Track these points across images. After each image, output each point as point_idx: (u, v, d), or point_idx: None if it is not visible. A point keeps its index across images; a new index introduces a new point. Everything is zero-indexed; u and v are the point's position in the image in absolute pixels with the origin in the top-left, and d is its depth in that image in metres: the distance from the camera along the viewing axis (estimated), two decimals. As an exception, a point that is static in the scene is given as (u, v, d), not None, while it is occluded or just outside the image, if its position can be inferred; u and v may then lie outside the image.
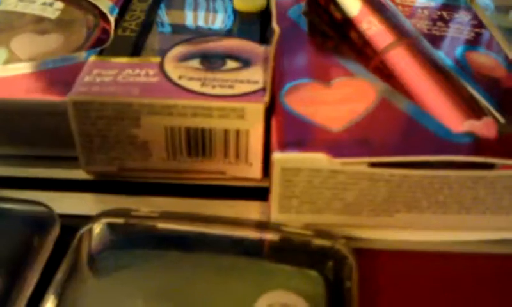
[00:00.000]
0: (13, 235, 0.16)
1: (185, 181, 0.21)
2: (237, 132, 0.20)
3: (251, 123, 0.20)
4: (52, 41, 0.24)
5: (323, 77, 0.20)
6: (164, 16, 0.26)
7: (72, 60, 0.23)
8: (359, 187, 0.17)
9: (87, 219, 0.17)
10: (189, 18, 0.26)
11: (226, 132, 0.20)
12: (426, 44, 0.21)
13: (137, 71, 0.21)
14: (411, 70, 0.20)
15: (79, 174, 0.21)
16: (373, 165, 0.17)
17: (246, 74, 0.21)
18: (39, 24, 0.25)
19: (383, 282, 0.17)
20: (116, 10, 0.26)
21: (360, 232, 0.19)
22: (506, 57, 0.22)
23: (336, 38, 0.22)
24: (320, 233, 0.18)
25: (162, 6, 0.27)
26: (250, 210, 0.20)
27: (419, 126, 0.18)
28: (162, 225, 0.17)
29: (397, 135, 0.18)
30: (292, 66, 0.21)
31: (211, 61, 0.21)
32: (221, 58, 0.21)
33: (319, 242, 0.17)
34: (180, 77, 0.20)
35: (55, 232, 0.17)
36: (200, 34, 0.25)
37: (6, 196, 0.18)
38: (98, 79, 0.20)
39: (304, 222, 0.18)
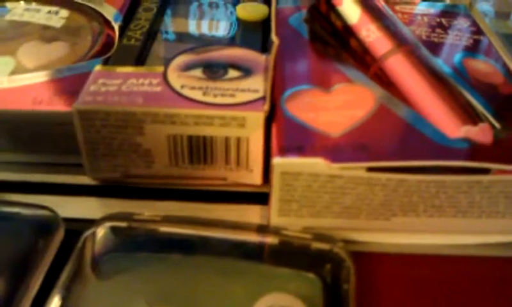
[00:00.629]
0: (18, 238, 0.17)
1: (186, 187, 0.22)
2: (238, 140, 0.20)
3: (252, 131, 0.20)
4: (58, 49, 0.25)
5: (323, 83, 0.21)
6: (169, 24, 0.27)
7: (78, 69, 0.23)
8: (357, 191, 0.18)
9: (91, 223, 0.18)
10: (193, 27, 0.27)
11: (227, 139, 0.20)
12: (424, 51, 0.22)
13: (141, 80, 0.21)
14: (409, 76, 0.20)
15: (84, 179, 0.22)
16: (371, 170, 0.17)
17: (247, 83, 0.21)
18: (45, 33, 0.26)
19: (380, 285, 0.18)
20: (121, 18, 0.27)
21: (357, 235, 0.19)
22: (504, 64, 0.23)
23: (336, 45, 0.23)
24: (319, 236, 0.18)
25: (167, 14, 0.28)
26: (251, 214, 0.21)
27: (416, 131, 0.18)
28: (164, 229, 0.18)
29: (394, 140, 0.18)
30: (293, 73, 0.22)
31: (213, 70, 0.22)
32: (223, 67, 0.22)
33: (317, 245, 0.18)
34: (182, 87, 0.21)
35: (59, 235, 0.17)
36: (204, 42, 0.25)
37: (11, 200, 0.19)
38: (103, 89, 0.21)
39: (303, 226, 0.19)
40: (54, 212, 0.18)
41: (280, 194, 0.18)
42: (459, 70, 0.22)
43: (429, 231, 0.19)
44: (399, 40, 0.21)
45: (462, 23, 0.26)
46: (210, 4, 0.29)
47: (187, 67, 0.22)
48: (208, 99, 0.20)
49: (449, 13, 0.27)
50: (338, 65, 0.22)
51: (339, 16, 0.23)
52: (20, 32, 0.26)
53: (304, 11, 0.26)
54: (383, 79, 0.21)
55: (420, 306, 0.17)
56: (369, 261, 0.18)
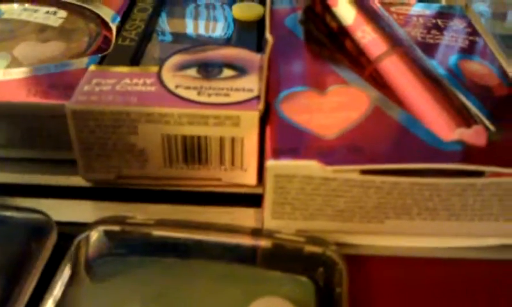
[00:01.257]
0: (10, 241, 0.17)
1: (181, 188, 0.22)
2: (233, 140, 0.20)
3: (246, 130, 0.20)
4: (53, 49, 0.25)
5: (318, 85, 0.21)
6: (165, 25, 0.27)
7: (72, 65, 0.23)
8: (350, 194, 0.18)
9: (84, 226, 0.18)
10: (189, 27, 0.27)
11: (221, 139, 0.20)
12: (419, 53, 0.22)
13: (135, 80, 0.21)
14: (404, 78, 0.20)
15: (77, 181, 0.22)
16: (364, 172, 0.17)
17: (241, 82, 0.21)
18: (42, 32, 0.26)
19: (373, 288, 0.18)
20: (118, 18, 0.27)
21: (351, 238, 0.19)
22: (499, 65, 0.23)
23: (331, 46, 0.23)
24: (312, 239, 0.18)
25: (163, 14, 0.28)
26: (245, 216, 0.21)
27: (410, 134, 0.18)
28: (157, 232, 0.18)
29: (388, 143, 0.18)
30: (288, 74, 0.22)
31: (208, 70, 0.22)
32: (218, 66, 0.22)
33: (310, 248, 0.18)
34: (177, 86, 0.21)
35: (52, 239, 0.17)
36: (200, 42, 0.25)
37: (4, 204, 0.19)
38: (97, 89, 0.20)
39: (296, 228, 0.19)
40: (47, 215, 0.18)
41: (274, 196, 0.18)
42: (454, 72, 0.22)
43: (422, 234, 0.19)
44: (394, 42, 0.21)
45: (458, 24, 0.26)
46: (207, 5, 0.29)
47: (182, 67, 0.22)
48: (203, 98, 0.20)
49: (445, 14, 0.27)
50: (333, 66, 0.22)
51: (334, 17, 0.23)
52: (18, 31, 0.26)
53: (299, 13, 0.26)
54: (378, 81, 0.21)
55: (412, 309, 0.17)
56: (362, 264, 0.18)
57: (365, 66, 0.21)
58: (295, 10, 0.26)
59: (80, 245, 0.17)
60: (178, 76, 0.21)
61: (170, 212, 0.21)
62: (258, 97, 0.20)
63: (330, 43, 0.23)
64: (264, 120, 0.20)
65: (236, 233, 0.18)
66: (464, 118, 0.19)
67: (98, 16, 0.27)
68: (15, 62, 0.24)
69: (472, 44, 0.24)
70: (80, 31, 0.26)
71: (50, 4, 0.28)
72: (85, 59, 0.24)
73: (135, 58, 0.24)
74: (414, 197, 0.18)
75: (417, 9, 0.27)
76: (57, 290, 0.16)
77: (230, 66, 0.22)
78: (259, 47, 0.24)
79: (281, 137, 0.18)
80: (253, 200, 0.21)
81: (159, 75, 0.21)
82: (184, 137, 0.20)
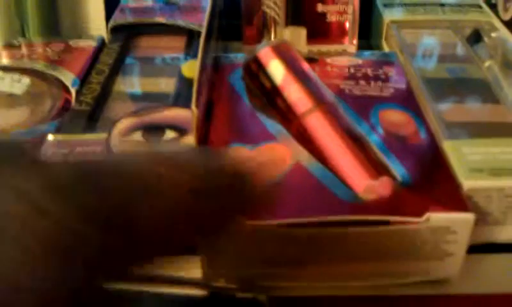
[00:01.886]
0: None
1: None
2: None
3: (186, 188, 0.22)
4: (19, 115, 0.28)
5: (250, 141, 0.23)
6: (121, 84, 0.29)
7: (36, 132, 0.26)
8: (272, 245, 0.20)
9: None
10: (142, 86, 0.29)
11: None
12: (341, 109, 0.24)
13: (85, 148, 0.23)
14: (325, 133, 0.22)
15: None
16: (280, 226, 0.20)
17: (181, 144, 0.23)
18: (7, 100, 0.28)
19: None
20: (78, 82, 0.29)
21: (279, 282, 0.21)
22: (419, 112, 0.25)
23: (266, 103, 0.25)
24: (243, 286, 0.20)
25: (121, 74, 0.30)
26: (184, 266, 0.23)
27: (325, 188, 0.21)
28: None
29: (304, 197, 0.20)
30: (226, 131, 0.24)
31: (152, 133, 0.24)
32: (161, 129, 0.24)
33: (241, 294, 0.20)
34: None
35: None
36: (151, 99, 0.28)
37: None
38: (53, 159, 0.23)
39: (227, 277, 0.21)
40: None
41: (208, 248, 0.20)
42: (373, 124, 0.24)
43: (341, 277, 0.21)
44: (318, 99, 0.24)
45: (387, 71, 0.28)
46: (159, 62, 0.31)
47: (128, 132, 0.24)
48: (145, 163, 0.22)
49: (377, 62, 0.29)
50: (265, 123, 0.24)
51: (267, 76, 0.25)
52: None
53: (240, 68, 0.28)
54: (304, 135, 0.23)
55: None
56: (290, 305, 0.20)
57: (292, 122, 0.24)
58: (237, 66, 0.28)
59: None
60: (124, 142, 0.24)
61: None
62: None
63: (265, 100, 0.25)
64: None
65: (174, 283, 0.20)
66: (374, 170, 0.21)
67: (60, 80, 0.29)
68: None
69: (397, 92, 0.26)
70: (43, 95, 0.29)
71: (15, 72, 0.30)
72: (44, 126, 0.26)
73: (91, 122, 0.26)
74: (329, 245, 0.20)
75: (352, 58, 0.29)
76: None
77: (172, 127, 0.24)
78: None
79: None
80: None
81: (107, 143, 0.24)
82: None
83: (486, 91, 0.28)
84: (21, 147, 0.14)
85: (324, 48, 0.32)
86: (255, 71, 0.25)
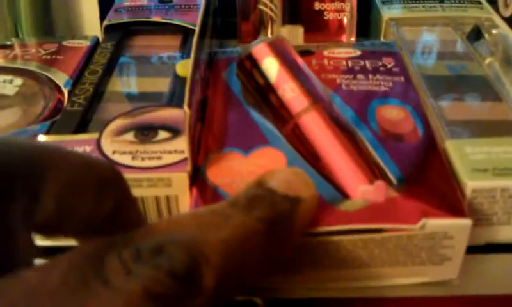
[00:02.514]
0: None
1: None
2: (167, 199, 0.22)
3: (179, 189, 0.22)
4: (11, 116, 0.27)
5: (244, 145, 0.22)
6: (114, 85, 0.29)
7: (27, 133, 0.25)
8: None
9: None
10: (137, 85, 0.29)
11: (157, 199, 0.22)
12: (336, 108, 0.23)
13: (76, 148, 0.23)
14: (320, 134, 0.22)
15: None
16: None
17: (174, 144, 0.23)
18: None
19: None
20: (70, 82, 0.29)
21: (275, 285, 0.21)
22: (419, 107, 0.24)
23: (260, 101, 0.24)
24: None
25: (114, 74, 0.29)
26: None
27: (321, 199, 0.20)
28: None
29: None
30: (219, 134, 0.23)
31: (144, 134, 0.24)
32: (154, 129, 0.24)
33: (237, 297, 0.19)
34: (114, 152, 0.22)
35: None
36: (146, 99, 0.27)
37: None
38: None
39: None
40: None
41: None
42: (370, 122, 0.23)
43: (337, 280, 0.20)
44: (314, 98, 0.23)
45: (386, 64, 0.27)
46: (155, 62, 0.31)
47: (120, 132, 0.24)
48: (136, 163, 0.22)
49: (376, 53, 0.28)
50: (259, 124, 0.24)
51: (261, 73, 0.24)
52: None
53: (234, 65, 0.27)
54: (299, 136, 0.22)
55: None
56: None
57: (287, 121, 0.23)
58: (233, 62, 0.28)
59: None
60: (116, 142, 0.23)
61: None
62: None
63: (259, 98, 0.25)
64: (195, 178, 0.22)
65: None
66: (369, 174, 0.20)
67: (52, 81, 0.29)
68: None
69: (396, 85, 0.25)
70: (35, 96, 0.28)
71: (7, 72, 0.30)
72: (36, 126, 0.25)
73: (83, 122, 0.26)
74: (324, 250, 0.19)
75: (350, 50, 0.29)
76: None
77: (165, 128, 0.24)
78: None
79: (204, 201, 0.20)
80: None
81: (98, 143, 0.23)
82: (123, 199, 0.22)
83: (487, 89, 0.27)
84: None
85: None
86: (249, 68, 0.25)
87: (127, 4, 0.35)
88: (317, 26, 0.32)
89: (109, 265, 0.12)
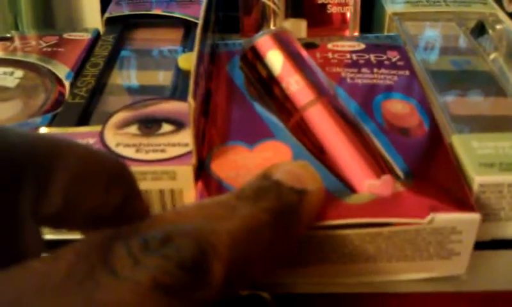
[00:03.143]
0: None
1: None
2: (172, 192, 0.22)
3: (183, 183, 0.21)
4: (12, 108, 0.27)
5: (248, 138, 0.22)
6: (117, 78, 0.28)
7: (28, 125, 0.25)
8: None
9: None
10: (138, 78, 0.28)
11: (161, 192, 0.22)
12: (342, 101, 0.23)
13: (80, 140, 0.22)
14: (326, 127, 0.22)
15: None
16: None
17: (178, 137, 0.23)
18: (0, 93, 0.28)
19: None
20: (72, 75, 0.28)
21: (283, 280, 0.20)
22: (423, 101, 0.24)
23: (263, 94, 0.24)
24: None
25: (116, 67, 0.29)
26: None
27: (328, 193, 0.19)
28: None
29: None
30: (223, 127, 0.23)
31: (148, 126, 0.23)
32: (158, 122, 0.23)
33: (245, 291, 0.19)
34: (117, 145, 0.22)
35: None
36: (148, 92, 0.27)
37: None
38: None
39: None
40: None
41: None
42: (375, 116, 0.23)
43: (345, 275, 0.20)
44: (319, 91, 0.23)
45: (391, 57, 0.27)
46: (156, 55, 0.30)
47: (124, 124, 0.23)
48: (141, 156, 0.22)
49: (381, 47, 0.28)
50: (263, 117, 0.23)
51: (264, 65, 0.24)
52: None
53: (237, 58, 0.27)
54: (304, 129, 0.22)
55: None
56: (294, 302, 0.20)
57: (292, 114, 0.23)
58: (236, 55, 0.27)
59: None
60: (119, 134, 0.23)
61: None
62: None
63: (263, 91, 0.24)
64: (200, 171, 0.21)
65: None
66: (376, 168, 0.20)
67: (53, 73, 0.29)
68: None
69: (401, 80, 0.25)
70: (37, 88, 0.28)
71: (7, 65, 0.29)
72: (38, 119, 0.25)
73: (85, 115, 0.25)
74: (331, 245, 0.19)
75: (354, 43, 0.28)
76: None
77: (169, 121, 0.24)
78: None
79: (209, 194, 0.20)
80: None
81: (101, 135, 0.23)
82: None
83: (491, 84, 0.27)
84: None
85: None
86: (253, 60, 0.24)
87: (128, -4, 0.35)
88: (320, 20, 0.32)
89: (117, 255, 0.12)
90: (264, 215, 0.15)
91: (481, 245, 0.20)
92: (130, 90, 0.27)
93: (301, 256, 0.19)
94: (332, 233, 0.18)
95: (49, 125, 0.24)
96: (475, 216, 0.18)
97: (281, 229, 0.16)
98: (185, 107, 0.24)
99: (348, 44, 0.28)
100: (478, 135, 0.22)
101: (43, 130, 0.24)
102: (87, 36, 0.32)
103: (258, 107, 0.24)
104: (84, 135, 0.23)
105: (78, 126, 0.24)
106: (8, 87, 0.28)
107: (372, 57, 0.27)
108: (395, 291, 0.20)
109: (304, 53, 0.24)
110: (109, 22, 0.33)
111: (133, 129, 0.23)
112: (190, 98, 0.20)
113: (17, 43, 0.32)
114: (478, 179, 0.20)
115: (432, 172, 0.20)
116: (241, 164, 0.21)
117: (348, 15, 0.32)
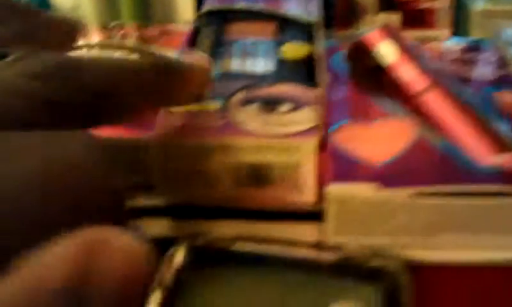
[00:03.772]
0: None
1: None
2: (294, 166, 0.23)
3: (306, 157, 0.23)
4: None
5: (364, 118, 0.24)
6: (221, 66, 0.30)
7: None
8: (405, 213, 0.20)
9: (166, 243, 0.20)
10: (241, 67, 0.30)
11: (284, 166, 0.23)
12: (457, 87, 0.24)
13: (205, 117, 0.24)
14: (444, 111, 0.23)
15: (153, 202, 0.24)
16: (416, 194, 0.20)
17: (299, 115, 0.24)
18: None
19: (433, 298, 0.20)
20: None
21: (409, 252, 0.21)
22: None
23: (375, 83, 0.26)
24: (377, 252, 0.20)
25: (217, 57, 0.31)
26: (304, 232, 0.23)
27: (453, 161, 0.21)
28: (237, 247, 0.21)
29: (435, 168, 0.21)
30: (337, 109, 0.24)
31: (269, 105, 0.25)
32: (277, 102, 0.25)
33: (375, 261, 0.20)
34: (243, 120, 0.24)
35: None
36: (253, 80, 0.28)
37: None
38: (173, 124, 0.24)
39: (356, 243, 0.21)
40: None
41: (336, 215, 0.21)
42: (489, 103, 0.24)
43: (473, 246, 0.21)
44: (434, 78, 0.24)
45: (488, 57, 0.28)
46: (255, 43, 0.32)
47: (245, 102, 0.25)
48: (267, 130, 0.23)
49: (475, 48, 0.29)
50: (377, 101, 0.25)
51: (376, 56, 0.25)
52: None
53: (343, 52, 0.29)
54: (420, 113, 0.23)
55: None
56: (422, 275, 0.20)
57: (407, 101, 0.24)
58: (338, 50, 0.29)
59: (166, 260, 0.20)
60: (242, 111, 0.24)
61: (237, 228, 0.23)
62: (314, 128, 0.23)
63: (374, 80, 0.26)
64: (320, 148, 0.23)
65: (305, 247, 0.21)
66: (499, 145, 0.21)
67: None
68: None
69: (503, 76, 0.26)
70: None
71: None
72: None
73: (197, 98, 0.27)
74: (461, 214, 0.20)
75: (448, 45, 0.30)
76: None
77: (288, 101, 0.25)
78: (308, 83, 0.27)
79: (337, 163, 0.21)
80: (311, 217, 0.23)
81: (224, 111, 0.24)
82: (251, 165, 0.23)
83: None
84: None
85: (416, 34, 0.33)
86: (362, 51, 0.26)
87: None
88: (411, 14, 0.33)
89: None
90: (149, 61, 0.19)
91: None
92: (238, 77, 0.29)
93: (428, 226, 0.20)
94: (464, 201, 0.20)
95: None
96: None
97: (161, 75, 0.19)
98: (298, 90, 0.26)
99: (440, 45, 0.30)
100: None
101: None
102: (186, 29, 0.34)
103: (370, 96, 0.25)
104: (208, 112, 0.24)
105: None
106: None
107: (470, 56, 0.28)
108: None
109: (414, 43, 0.26)
110: (206, 16, 0.35)
111: (254, 107, 0.25)
112: (323, 71, 0.21)
113: (120, 34, 0.34)
114: None
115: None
116: (363, 139, 0.22)
117: (439, 10, 0.33)
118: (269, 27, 0.34)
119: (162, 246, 0.20)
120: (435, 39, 0.30)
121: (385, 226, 0.21)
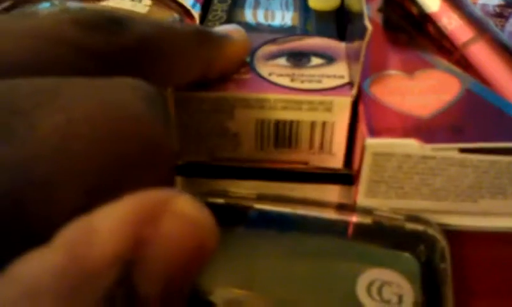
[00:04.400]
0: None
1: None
2: (324, 124, 0.21)
3: (338, 115, 0.21)
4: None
5: (405, 68, 0.21)
6: (244, 16, 0.28)
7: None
8: (448, 172, 0.18)
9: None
10: (265, 18, 0.28)
11: (312, 124, 0.21)
12: (505, 37, 0.22)
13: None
14: (492, 63, 0.21)
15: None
16: (463, 151, 0.18)
17: (331, 70, 0.22)
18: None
19: (470, 264, 0.18)
20: (198, 6, 0.28)
21: (443, 218, 0.20)
22: None
23: (413, 32, 0.23)
24: (412, 217, 0.19)
25: (243, 5, 0.29)
26: (331, 193, 0.21)
27: (505, 115, 0.19)
28: (259, 205, 0.19)
29: (484, 123, 0.19)
30: (373, 60, 0.22)
31: (297, 59, 0.23)
32: (306, 56, 0.23)
33: (411, 225, 0.18)
34: (270, 74, 0.22)
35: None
36: (280, 32, 0.26)
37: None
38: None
39: (389, 207, 0.19)
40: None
41: (370, 175, 0.19)
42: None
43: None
44: (480, 28, 0.22)
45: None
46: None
47: (272, 56, 0.23)
48: (296, 85, 0.21)
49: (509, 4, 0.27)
50: (418, 51, 0.23)
51: (415, 3, 0.23)
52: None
53: (376, 2, 0.26)
54: (465, 66, 0.21)
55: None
56: (460, 241, 0.19)
57: (451, 52, 0.22)
58: (369, 1, 0.27)
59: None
60: (269, 65, 0.22)
61: (260, 188, 0.22)
62: (349, 83, 0.21)
63: (412, 30, 0.23)
64: (354, 106, 0.21)
65: (335, 209, 0.19)
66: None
67: (180, 4, 0.28)
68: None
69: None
70: (166, 18, 0.28)
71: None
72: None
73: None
74: (510, 176, 0.18)
75: (481, 2, 0.27)
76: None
77: (318, 54, 0.23)
78: (340, 36, 0.24)
79: (377, 117, 0.19)
80: (338, 178, 0.22)
81: (251, 64, 0.22)
82: (277, 122, 0.21)
83: None
84: None
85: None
86: (401, 0, 0.24)
87: None
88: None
89: None
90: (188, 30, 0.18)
91: None
92: (261, 28, 0.27)
93: (473, 188, 0.18)
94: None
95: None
96: None
97: (203, 44, 0.18)
98: (329, 43, 0.24)
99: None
100: None
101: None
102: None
103: (409, 45, 0.23)
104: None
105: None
106: (138, 12, 0.28)
107: (504, 10, 0.26)
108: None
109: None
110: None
111: (282, 61, 0.23)
112: (366, 21, 0.19)
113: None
114: None
115: None
116: (405, 90, 0.20)
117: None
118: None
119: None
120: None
121: (423, 189, 0.19)
